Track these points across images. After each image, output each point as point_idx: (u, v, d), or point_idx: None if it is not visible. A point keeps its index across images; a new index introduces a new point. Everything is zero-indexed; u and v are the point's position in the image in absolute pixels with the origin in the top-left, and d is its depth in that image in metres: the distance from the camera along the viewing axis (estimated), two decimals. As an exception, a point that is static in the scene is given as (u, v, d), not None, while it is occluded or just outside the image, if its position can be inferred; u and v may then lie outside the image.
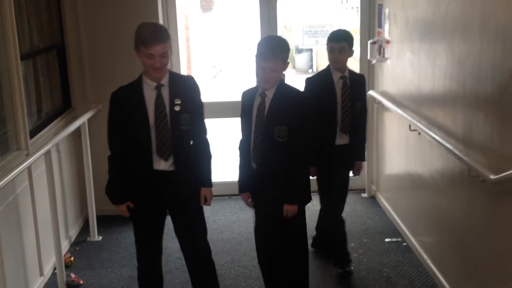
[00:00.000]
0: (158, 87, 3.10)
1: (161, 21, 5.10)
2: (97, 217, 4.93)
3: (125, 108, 3.12)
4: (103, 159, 5.09)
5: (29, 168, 3.81)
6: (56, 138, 4.10)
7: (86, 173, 4.82)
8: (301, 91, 3.33)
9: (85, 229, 5.03)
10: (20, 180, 3.72)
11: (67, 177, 4.78)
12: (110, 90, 5.03)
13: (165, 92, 3.11)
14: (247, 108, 3.32)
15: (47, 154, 3.89)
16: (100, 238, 4.91)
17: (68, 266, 4.35)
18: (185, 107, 3.12)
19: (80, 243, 4.84)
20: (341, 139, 3.95)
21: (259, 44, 3.23)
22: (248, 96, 3.35)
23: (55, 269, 4.16)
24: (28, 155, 3.78)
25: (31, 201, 3.94)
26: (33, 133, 4.06)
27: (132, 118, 3.11)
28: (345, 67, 3.95)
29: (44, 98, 4.51)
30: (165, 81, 3.12)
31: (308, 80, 3.98)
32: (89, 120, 4.87)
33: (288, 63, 3.27)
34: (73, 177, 4.93)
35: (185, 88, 3.17)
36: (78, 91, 5.05)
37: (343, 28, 4.09)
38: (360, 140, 4.12)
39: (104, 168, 5.06)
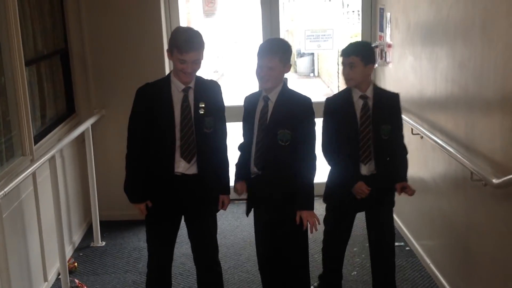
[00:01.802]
0: (186, 90, 3.15)
1: (163, 26, 5.12)
2: (101, 222, 4.95)
3: (151, 105, 3.14)
4: (107, 164, 5.17)
5: (33, 174, 3.83)
6: (60, 144, 4.12)
7: (89, 178, 4.83)
8: (304, 95, 3.32)
9: (88, 234, 5.04)
10: (24, 185, 3.74)
11: (71, 183, 4.79)
12: (113, 95, 5.12)
13: (191, 95, 3.16)
14: (250, 112, 3.33)
15: (52, 159, 3.91)
16: (104, 243, 4.92)
17: (72, 271, 4.36)
18: (209, 111, 3.18)
19: (83, 248, 4.85)
20: (363, 170, 3.48)
21: (259, 45, 3.27)
22: (251, 100, 3.36)
23: (59, 274, 4.17)
24: (32, 161, 3.79)
25: (36, 206, 3.95)
26: (37, 139, 4.08)
27: (158, 116, 3.13)
28: (367, 84, 3.46)
29: (48, 103, 4.53)
30: (192, 84, 3.18)
31: (327, 101, 3.62)
32: (93, 125, 4.89)
33: (290, 65, 3.29)
34: (77, 182, 4.95)
35: (210, 92, 3.23)
36: (82, 96, 5.08)
37: (356, 39, 3.68)
38: (396, 165, 3.54)
39: (107, 173, 5.13)
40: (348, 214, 3.67)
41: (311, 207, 3.23)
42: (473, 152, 3.31)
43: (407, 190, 3.53)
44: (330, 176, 3.66)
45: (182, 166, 3.16)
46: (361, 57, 3.39)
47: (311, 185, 3.25)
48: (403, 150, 3.59)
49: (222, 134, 3.29)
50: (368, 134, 3.42)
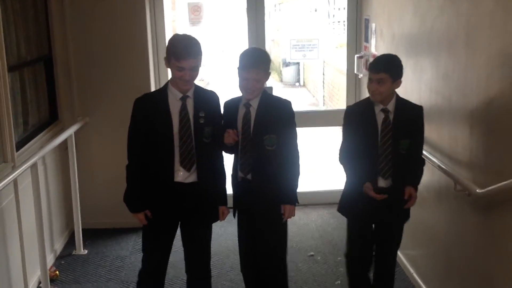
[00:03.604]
0: (184, 98, 3.15)
1: (149, 34, 5.11)
2: (83, 230, 4.89)
3: (149, 115, 3.13)
4: (90, 172, 5.13)
5: (15, 181, 3.77)
6: (42, 151, 4.08)
7: (72, 186, 4.79)
8: (284, 99, 3.37)
9: (70, 242, 4.98)
10: (6, 193, 3.69)
11: (53, 190, 4.74)
12: (97, 103, 5.10)
13: (190, 104, 3.16)
14: (231, 118, 3.34)
15: (33, 166, 3.86)
16: (86, 251, 4.87)
17: (53, 280, 4.31)
18: (208, 120, 3.18)
19: (65, 256, 4.79)
20: (380, 182, 3.34)
21: (241, 56, 3.29)
22: (231, 106, 3.37)
23: (40, 283, 4.12)
24: (14, 168, 3.75)
25: (17, 214, 3.90)
26: (19, 146, 4.03)
27: (156, 126, 3.13)
28: (390, 97, 3.31)
29: (31, 110, 4.49)
30: (190, 92, 3.17)
31: (347, 109, 3.52)
32: (76, 132, 4.85)
33: (270, 73, 3.34)
34: (59, 190, 4.90)
35: (209, 102, 3.23)
36: (65, 103, 5.03)
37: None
38: (409, 173, 3.35)
39: (90, 181, 5.10)
40: (366, 223, 3.53)
41: (294, 203, 3.36)
42: (457, 163, 3.33)
43: (411, 199, 3.35)
44: (347, 186, 3.51)
45: (181, 175, 3.16)
46: (390, 73, 3.25)
47: (297, 183, 3.38)
48: (419, 162, 3.43)
49: (218, 146, 3.29)
50: (388, 149, 3.29)
